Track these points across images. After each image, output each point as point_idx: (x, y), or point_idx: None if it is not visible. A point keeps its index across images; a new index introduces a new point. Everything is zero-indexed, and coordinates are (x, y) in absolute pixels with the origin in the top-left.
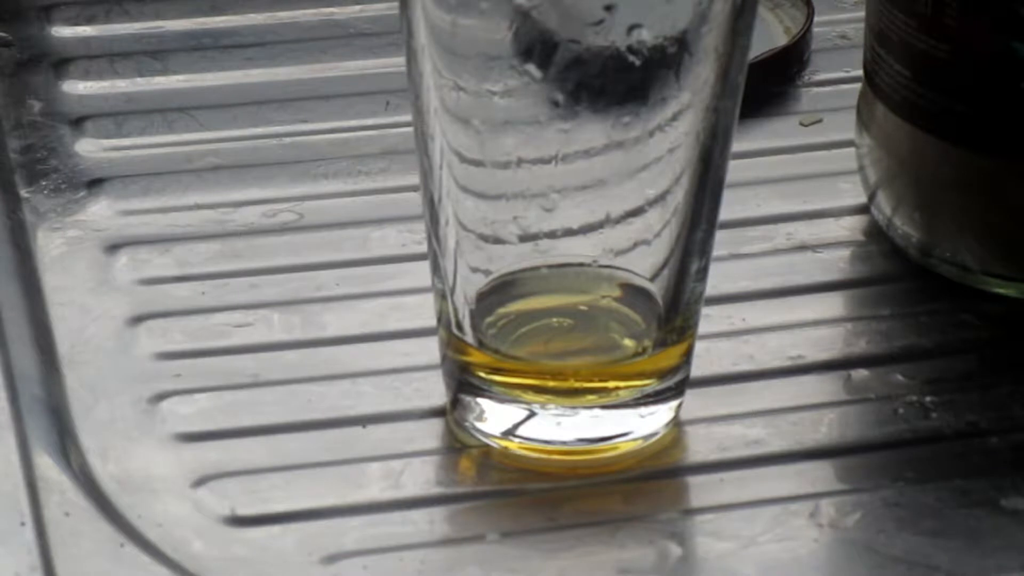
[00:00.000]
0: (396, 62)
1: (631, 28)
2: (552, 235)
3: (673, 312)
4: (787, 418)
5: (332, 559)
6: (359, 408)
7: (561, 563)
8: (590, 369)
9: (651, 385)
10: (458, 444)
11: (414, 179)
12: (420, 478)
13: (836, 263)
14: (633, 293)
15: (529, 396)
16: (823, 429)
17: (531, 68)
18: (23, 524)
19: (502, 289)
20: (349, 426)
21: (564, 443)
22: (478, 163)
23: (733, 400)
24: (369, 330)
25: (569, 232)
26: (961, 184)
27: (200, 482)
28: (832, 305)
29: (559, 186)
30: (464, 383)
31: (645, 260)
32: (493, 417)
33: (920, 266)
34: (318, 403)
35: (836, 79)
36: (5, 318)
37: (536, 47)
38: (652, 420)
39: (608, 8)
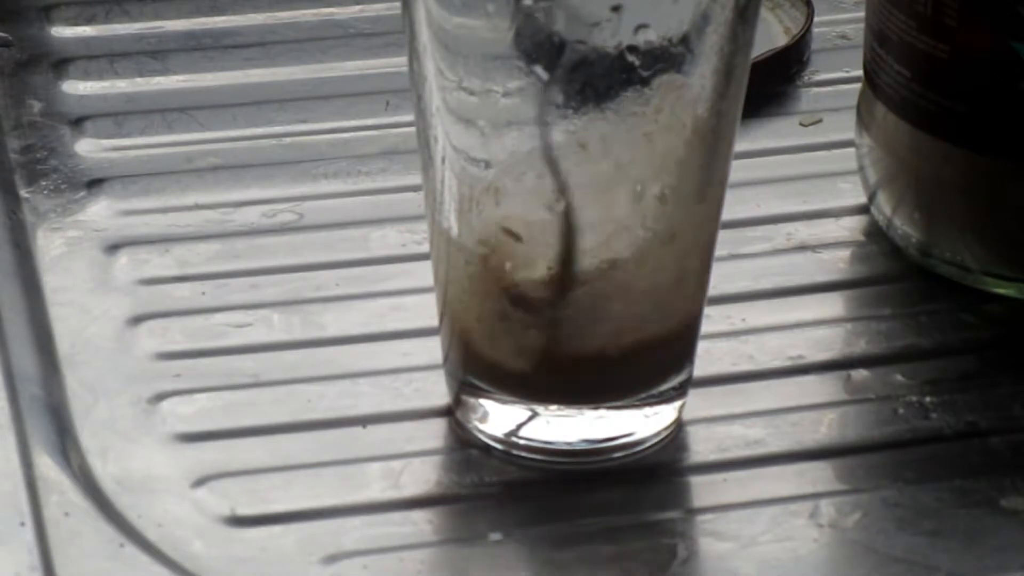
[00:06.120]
0: (396, 62)
1: (637, 28)
2: (556, 235)
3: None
4: (787, 418)
5: (332, 559)
6: (359, 408)
7: (561, 563)
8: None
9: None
10: (458, 444)
11: (414, 179)
12: (420, 478)
13: (836, 263)
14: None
15: (531, 396)
16: (823, 429)
17: (537, 69)
18: (23, 524)
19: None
20: (349, 426)
21: (568, 443)
22: (481, 164)
23: (733, 400)
24: (369, 330)
25: (574, 231)
26: (961, 184)
27: (200, 482)
28: (832, 305)
29: (563, 186)
30: (466, 383)
31: (647, 259)
32: (496, 418)
33: (920, 266)
34: (318, 403)
35: (836, 79)
36: (5, 318)
37: (541, 48)
38: (656, 420)
39: (615, 8)
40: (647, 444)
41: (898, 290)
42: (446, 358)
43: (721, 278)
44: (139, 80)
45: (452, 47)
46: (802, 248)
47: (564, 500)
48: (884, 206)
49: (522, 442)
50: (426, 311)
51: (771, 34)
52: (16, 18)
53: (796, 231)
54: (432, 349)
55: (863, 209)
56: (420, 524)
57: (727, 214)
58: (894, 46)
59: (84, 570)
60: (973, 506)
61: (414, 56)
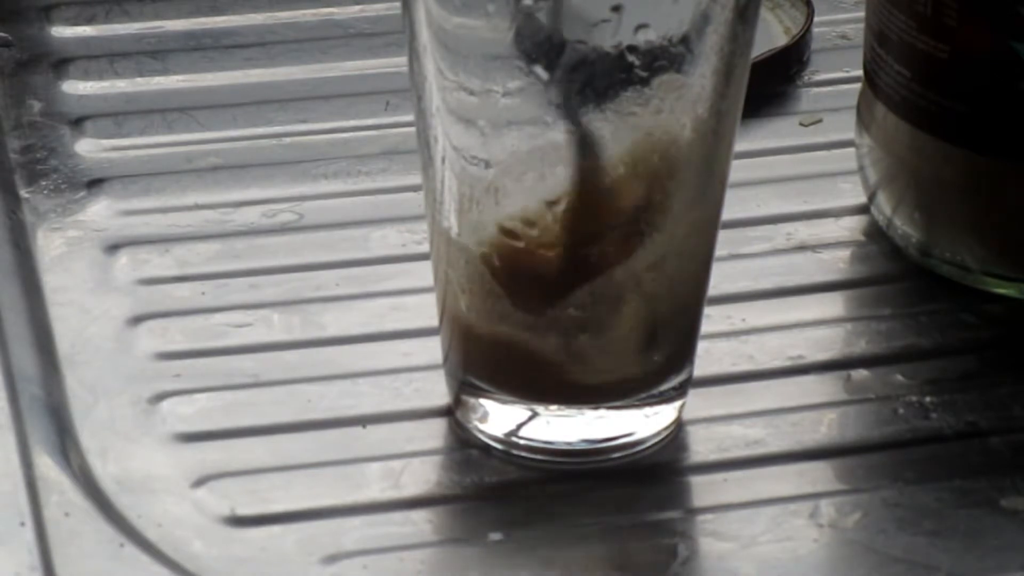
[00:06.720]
0: (396, 62)
1: (637, 28)
2: (557, 235)
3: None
4: (787, 418)
5: (332, 559)
6: (359, 408)
7: (561, 563)
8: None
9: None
10: (458, 444)
11: (414, 179)
12: (420, 478)
13: (836, 263)
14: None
15: (531, 396)
16: (823, 429)
17: (537, 69)
18: (23, 524)
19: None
20: (349, 426)
21: (568, 443)
22: (481, 164)
23: (733, 400)
24: (369, 330)
25: (574, 231)
26: (961, 184)
27: (200, 482)
28: (832, 305)
29: (564, 186)
30: (466, 383)
31: (647, 259)
32: (496, 418)
33: (920, 266)
34: (318, 403)
35: (836, 79)
36: (5, 318)
37: (541, 48)
38: (656, 420)
39: (615, 8)
40: (647, 444)
41: (898, 290)
42: (446, 358)
43: (721, 278)
44: (139, 80)
45: (452, 47)
46: (802, 248)
47: (564, 500)
48: (884, 206)
49: (522, 442)
50: (426, 311)
51: (771, 34)
52: (16, 18)
53: (796, 231)
54: (432, 349)
55: (863, 209)
56: (420, 524)
57: (727, 214)
58: (894, 46)
59: (84, 570)
60: (973, 506)
61: (414, 56)
